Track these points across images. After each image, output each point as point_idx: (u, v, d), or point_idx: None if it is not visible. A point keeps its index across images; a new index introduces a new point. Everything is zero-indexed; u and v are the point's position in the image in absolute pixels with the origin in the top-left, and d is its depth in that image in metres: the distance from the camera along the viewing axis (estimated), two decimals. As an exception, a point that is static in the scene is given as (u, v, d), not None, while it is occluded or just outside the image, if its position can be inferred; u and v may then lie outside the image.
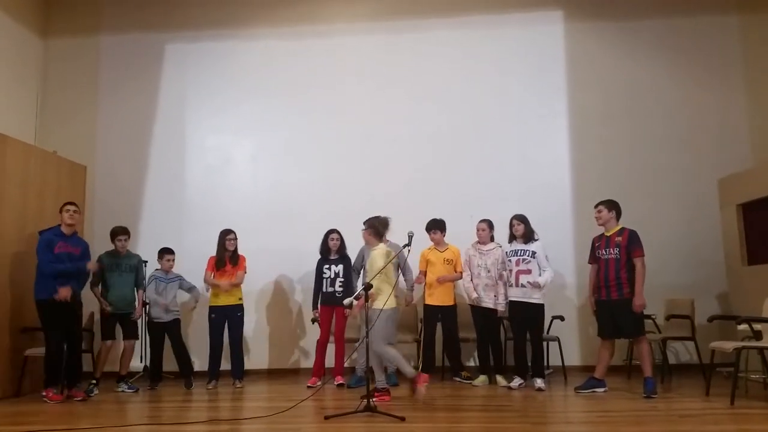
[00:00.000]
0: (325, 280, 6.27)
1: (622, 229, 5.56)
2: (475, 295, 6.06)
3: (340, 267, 6.27)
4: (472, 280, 6.14)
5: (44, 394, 5.42)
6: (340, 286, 6.23)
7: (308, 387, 5.99)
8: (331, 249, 6.33)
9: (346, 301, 5.18)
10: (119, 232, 6.17)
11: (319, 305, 6.31)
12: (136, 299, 6.27)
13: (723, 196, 6.76)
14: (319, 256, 6.43)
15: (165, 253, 6.51)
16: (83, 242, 5.83)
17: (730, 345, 5.11)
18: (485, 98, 7.46)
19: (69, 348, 5.67)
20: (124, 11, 7.85)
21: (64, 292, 5.43)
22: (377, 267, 5.12)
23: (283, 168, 7.52)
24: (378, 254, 5.21)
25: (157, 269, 6.51)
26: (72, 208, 5.65)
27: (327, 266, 6.30)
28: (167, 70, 7.76)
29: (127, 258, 6.23)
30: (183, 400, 5.66)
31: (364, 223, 5.48)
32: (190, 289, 6.57)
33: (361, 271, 6.40)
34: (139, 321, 6.44)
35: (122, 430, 4.37)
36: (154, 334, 6.37)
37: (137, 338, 6.27)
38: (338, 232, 6.36)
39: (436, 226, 6.30)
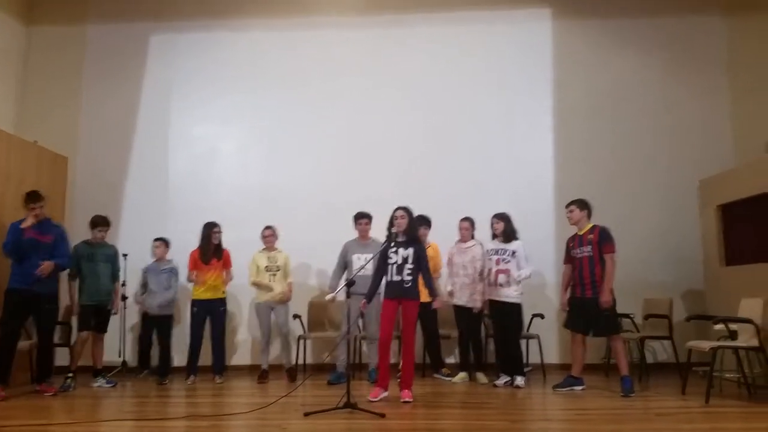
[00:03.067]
0: (390, 266, 5.17)
1: (594, 226, 5.62)
2: (448, 288, 6.14)
3: (410, 251, 5.17)
4: (451, 277, 6.19)
5: None
6: (408, 274, 5.14)
7: (370, 400, 4.95)
8: (397, 230, 5.24)
9: (327, 297, 5.20)
10: (99, 223, 6.11)
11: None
12: (113, 291, 6.20)
13: (703, 197, 6.84)
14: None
15: (154, 241, 6.48)
16: (55, 228, 5.70)
17: (706, 344, 5.19)
18: (472, 94, 7.47)
19: (39, 342, 5.61)
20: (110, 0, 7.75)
21: (47, 267, 5.39)
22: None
23: (271, 160, 7.47)
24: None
25: (153, 261, 6.46)
26: (36, 205, 5.51)
27: (393, 250, 5.18)
28: (153, 60, 7.67)
29: (104, 248, 6.15)
30: (162, 396, 5.62)
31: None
32: (171, 289, 6.45)
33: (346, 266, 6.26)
34: (122, 313, 6.40)
35: (99, 425, 4.35)
36: (145, 326, 6.32)
37: (105, 331, 6.15)
38: (405, 210, 5.26)
39: (422, 223, 6.30)
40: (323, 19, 7.63)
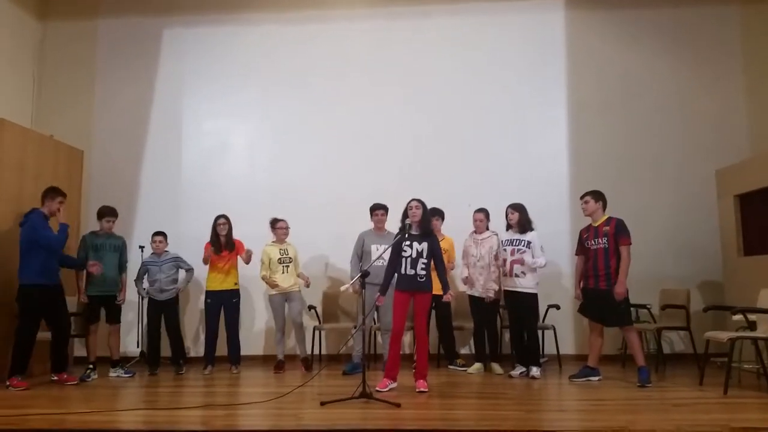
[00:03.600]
0: (404, 259, 5.14)
1: (610, 218, 5.58)
2: (465, 274, 6.09)
3: (424, 245, 5.14)
4: (468, 269, 6.15)
5: (8, 383, 5.27)
6: (422, 269, 5.11)
7: (378, 390, 4.92)
8: (411, 222, 5.20)
9: (342, 288, 5.23)
10: (106, 213, 6.14)
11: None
12: (120, 281, 6.21)
13: (720, 187, 6.77)
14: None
15: (153, 235, 6.51)
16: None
17: (724, 335, 5.15)
18: (483, 86, 7.42)
19: (58, 333, 5.67)
20: (123, -6, 7.79)
21: (97, 268, 5.82)
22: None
23: (281, 153, 7.48)
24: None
25: (151, 254, 6.52)
26: (64, 200, 5.69)
27: (408, 243, 5.14)
28: (165, 54, 7.70)
29: (111, 239, 6.18)
30: (179, 385, 5.68)
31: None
32: (188, 270, 6.56)
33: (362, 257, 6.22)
34: (139, 304, 6.46)
35: (118, 414, 4.40)
36: (150, 314, 6.37)
37: (119, 322, 6.19)
38: (419, 201, 5.25)
39: (434, 214, 6.29)
40: (333, 12, 7.61)
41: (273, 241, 6.51)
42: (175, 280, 6.48)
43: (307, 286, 6.52)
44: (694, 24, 7.37)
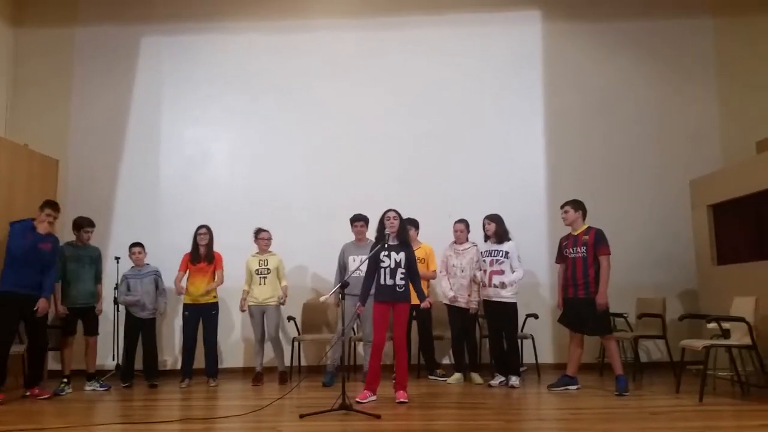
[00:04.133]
0: (383, 270, 5.16)
1: (589, 228, 5.64)
2: (451, 294, 6.07)
3: (402, 255, 5.16)
4: (448, 279, 6.16)
5: None
6: (401, 279, 5.13)
7: (358, 402, 4.92)
8: (389, 233, 5.23)
9: (322, 298, 5.20)
10: (85, 224, 6.04)
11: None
12: (97, 292, 6.11)
13: (694, 197, 6.89)
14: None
15: (131, 247, 6.41)
16: (52, 237, 5.70)
17: (699, 343, 5.22)
18: (464, 96, 7.48)
19: (35, 346, 5.57)
20: (100, 2, 7.69)
21: (45, 307, 5.49)
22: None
23: (263, 163, 7.44)
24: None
25: (131, 267, 6.42)
26: (53, 214, 5.63)
27: (386, 253, 5.15)
28: (144, 62, 7.62)
29: (88, 249, 6.09)
30: (155, 399, 5.59)
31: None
32: (161, 292, 6.41)
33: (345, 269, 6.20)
34: (115, 316, 6.36)
35: (94, 429, 4.32)
36: (129, 329, 6.27)
37: (98, 334, 6.07)
38: (396, 212, 5.29)
39: (409, 224, 6.29)
40: (316, 22, 7.62)
41: (256, 252, 6.46)
42: (152, 297, 6.37)
43: (282, 303, 6.42)
44: (669, 36, 7.52)
